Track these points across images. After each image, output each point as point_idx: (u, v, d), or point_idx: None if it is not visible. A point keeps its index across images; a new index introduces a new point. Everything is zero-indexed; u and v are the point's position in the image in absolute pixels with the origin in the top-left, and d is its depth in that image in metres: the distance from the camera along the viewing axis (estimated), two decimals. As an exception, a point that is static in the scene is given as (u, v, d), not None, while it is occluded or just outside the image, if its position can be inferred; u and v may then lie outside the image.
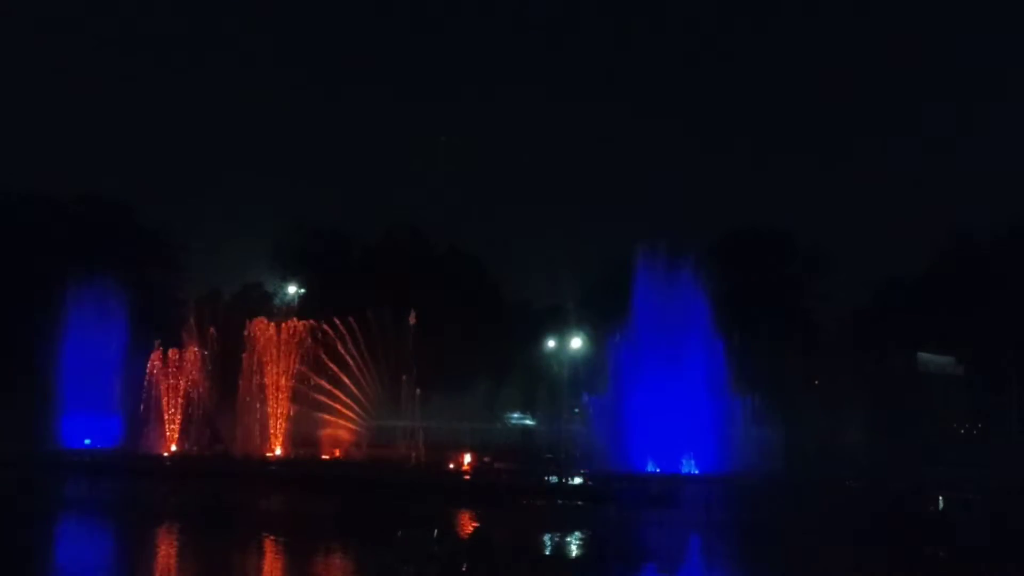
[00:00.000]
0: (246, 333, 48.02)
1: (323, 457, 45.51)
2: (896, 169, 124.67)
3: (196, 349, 49.99)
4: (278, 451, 46.69)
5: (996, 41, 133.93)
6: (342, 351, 51.46)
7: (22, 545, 27.11)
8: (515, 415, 67.56)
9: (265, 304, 72.28)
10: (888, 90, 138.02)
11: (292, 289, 75.37)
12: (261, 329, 48.59)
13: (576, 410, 60.82)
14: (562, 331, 63.32)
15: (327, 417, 50.09)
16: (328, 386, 50.84)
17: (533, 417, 66.18)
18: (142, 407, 48.13)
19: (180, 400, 48.83)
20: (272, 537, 28.09)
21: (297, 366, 49.09)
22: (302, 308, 69.50)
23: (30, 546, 27.17)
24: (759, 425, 41.26)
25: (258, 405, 47.36)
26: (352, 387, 51.71)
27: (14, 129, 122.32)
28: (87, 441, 48.31)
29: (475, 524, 28.70)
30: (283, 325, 49.94)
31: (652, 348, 39.81)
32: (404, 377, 48.24)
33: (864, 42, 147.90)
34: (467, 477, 38.02)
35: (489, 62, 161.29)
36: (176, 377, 48.97)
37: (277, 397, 47.90)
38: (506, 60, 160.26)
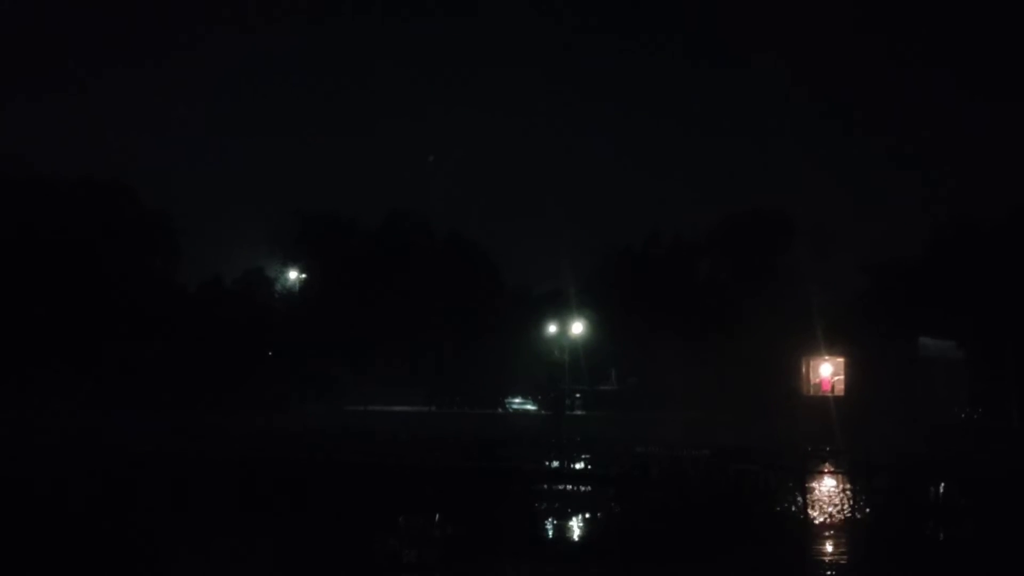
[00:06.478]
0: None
1: None
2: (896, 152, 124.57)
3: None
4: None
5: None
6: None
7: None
8: (516, 400, 67.68)
9: (266, 289, 72.36)
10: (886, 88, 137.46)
11: (293, 275, 75.33)
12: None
13: (578, 395, 60.90)
14: (563, 316, 63.36)
15: None
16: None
17: (534, 402, 66.31)
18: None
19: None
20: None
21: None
22: (303, 293, 69.53)
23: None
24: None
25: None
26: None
27: (6, 110, 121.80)
28: None
29: (477, 509, 28.78)
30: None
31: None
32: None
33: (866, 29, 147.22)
34: (469, 462, 38.17)
35: (488, 56, 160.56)
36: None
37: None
38: (506, 50, 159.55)
